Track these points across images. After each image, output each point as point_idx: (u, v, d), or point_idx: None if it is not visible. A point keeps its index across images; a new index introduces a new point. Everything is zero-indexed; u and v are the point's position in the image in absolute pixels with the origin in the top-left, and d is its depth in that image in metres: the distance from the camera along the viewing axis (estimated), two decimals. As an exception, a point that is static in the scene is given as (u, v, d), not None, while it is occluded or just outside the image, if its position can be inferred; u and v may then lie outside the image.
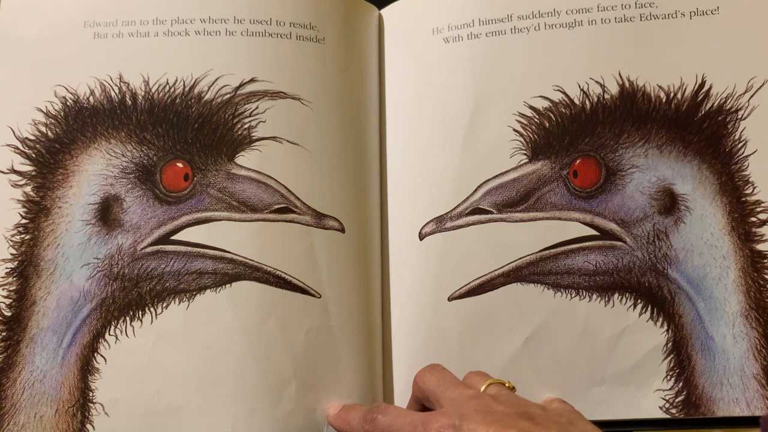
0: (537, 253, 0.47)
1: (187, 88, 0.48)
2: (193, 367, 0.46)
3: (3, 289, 0.46)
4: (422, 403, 0.44)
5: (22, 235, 0.47)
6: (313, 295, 0.47)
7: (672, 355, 0.46)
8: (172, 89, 0.48)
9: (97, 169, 0.47)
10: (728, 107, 0.47)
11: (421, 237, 0.49)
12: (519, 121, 0.48)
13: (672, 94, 0.47)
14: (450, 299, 0.48)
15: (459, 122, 0.49)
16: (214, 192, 0.47)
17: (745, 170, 0.47)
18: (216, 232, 0.47)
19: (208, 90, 0.48)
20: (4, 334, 0.46)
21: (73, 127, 0.48)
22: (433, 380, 0.42)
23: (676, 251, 0.46)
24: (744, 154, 0.47)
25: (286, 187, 0.48)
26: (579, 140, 0.48)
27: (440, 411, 0.39)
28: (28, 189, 0.47)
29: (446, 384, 0.41)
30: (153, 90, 0.48)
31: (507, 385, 0.42)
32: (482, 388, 0.41)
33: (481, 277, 0.48)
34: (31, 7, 0.50)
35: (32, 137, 0.48)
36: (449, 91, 0.50)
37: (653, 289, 0.46)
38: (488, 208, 0.48)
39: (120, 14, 0.49)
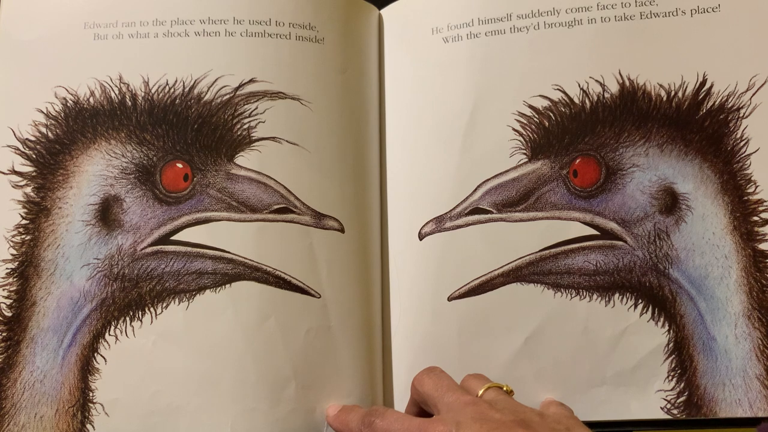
0: (537, 252, 0.47)
1: (186, 89, 0.48)
2: (193, 367, 0.46)
3: (3, 290, 0.47)
4: (420, 407, 0.43)
5: (23, 236, 0.47)
6: (313, 295, 0.47)
7: (673, 356, 0.46)
8: (172, 90, 0.48)
9: (97, 170, 0.48)
10: (730, 105, 0.47)
11: (421, 237, 0.49)
12: (518, 121, 0.48)
13: (673, 93, 0.47)
14: (450, 299, 0.48)
15: (458, 122, 0.49)
16: (213, 192, 0.47)
17: (747, 169, 0.46)
18: (216, 232, 0.47)
19: (207, 90, 0.48)
20: (4, 334, 0.46)
21: (74, 128, 0.48)
22: (430, 384, 0.42)
23: (677, 251, 0.46)
24: (746, 153, 0.46)
25: (285, 188, 0.48)
26: (579, 139, 0.47)
27: (437, 418, 0.38)
28: (28, 190, 0.48)
29: (443, 388, 0.41)
30: (153, 91, 0.48)
31: (505, 388, 0.41)
32: (480, 393, 0.41)
33: (481, 277, 0.47)
34: (31, 9, 0.50)
35: (33, 138, 0.48)
36: (449, 91, 0.50)
37: (654, 289, 0.46)
38: (488, 208, 0.48)
39: (120, 15, 0.49)
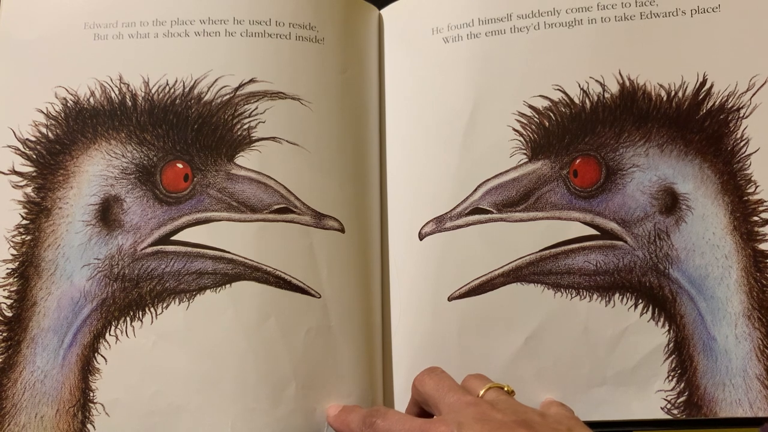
0: (537, 252, 0.47)
1: (186, 89, 0.48)
2: (193, 367, 0.46)
3: (4, 290, 0.47)
4: (421, 407, 0.43)
5: (23, 236, 0.47)
6: (313, 295, 0.47)
7: (673, 356, 0.46)
8: (172, 90, 0.48)
9: (97, 170, 0.48)
10: (730, 105, 0.47)
11: (421, 237, 0.49)
12: (519, 121, 0.48)
13: (673, 93, 0.47)
14: (450, 299, 0.48)
15: (459, 122, 0.49)
16: (213, 192, 0.47)
17: (747, 169, 0.46)
18: (216, 232, 0.47)
19: (207, 91, 0.48)
20: (5, 334, 0.46)
21: (74, 128, 0.48)
22: (431, 384, 0.41)
23: (677, 251, 0.46)
24: (746, 153, 0.46)
25: (285, 188, 0.48)
26: (579, 139, 0.47)
27: (438, 419, 0.38)
28: (28, 190, 0.48)
29: (445, 389, 0.41)
30: (153, 91, 0.48)
31: (506, 389, 0.41)
32: (481, 393, 0.41)
33: (481, 277, 0.47)
34: (31, 10, 0.50)
35: (33, 138, 0.48)
36: (449, 91, 0.50)
37: (654, 289, 0.46)
38: (488, 208, 0.48)
39: (120, 15, 0.49)
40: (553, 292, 0.47)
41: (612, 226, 0.47)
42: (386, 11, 0.54)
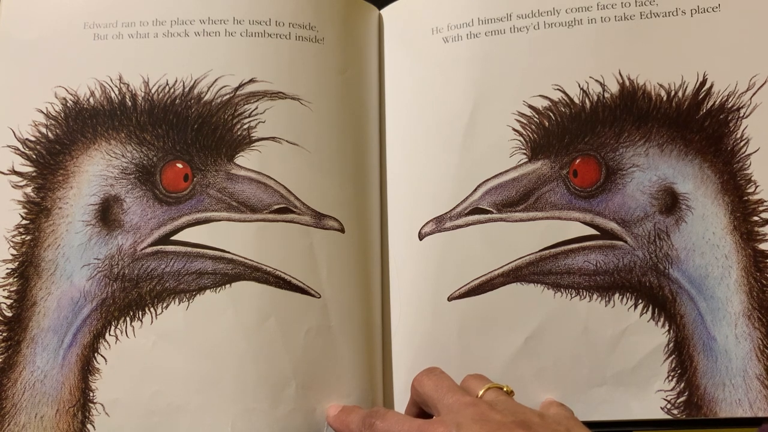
0: (537, 252, 0.47)
1: (186, 89, 0.48)
2: (193, 367, 0.46)
3: (4, 290, 0.47)
4: (421, 407, 0.43)
5: (23, 236, 0.47)
6: (313, 295, 0.47)
7: (673, 356, 0.46)
8: (172, 90, 0.48)
9: (97, 170, 0.48)
10: (730, 105, 0.47)
11: (421, 237, 0.49)
12: (518, 121, 0.48)
13: (673, 93, 0.47)
14: (450, 299, 0.48)
15: (458, 122, 0.49)
16: (213, 192, 0.47)
17: (747, 169, 0.46)
18: (216, 232, 0.47)
19: (207, 90, 0.48)
20: (5, 334, 0.46)
21: (74, 128, 0.48)
22: (430, 385, 0.42)
23: (677, 251, 0.46)
24: (746, 153, 0.46)
25: (285, 188, 0.48)
26: (579, 139, 0.47)
27: (437, 419, 0.38)
28: (28, 190, 0.48)
29: (444, 389, 0.41)
30: (153, 91, 0.48)
31: (505, 389, 0.41)
32: (480, 394, 0.41)
33: (481, 277, 0.47)
34: (31, 9, 0.50)
35: (33, 138, 0.48)
36: (449, 91, 0.50)
37: (654, 289, 0.46)
38: (488, 208, 0.48)
39: (120, 15, 0.49)
40: (553, 292, 0.47)
41: (612, 226, 0.47)
42: (386, 11, 0.54)
